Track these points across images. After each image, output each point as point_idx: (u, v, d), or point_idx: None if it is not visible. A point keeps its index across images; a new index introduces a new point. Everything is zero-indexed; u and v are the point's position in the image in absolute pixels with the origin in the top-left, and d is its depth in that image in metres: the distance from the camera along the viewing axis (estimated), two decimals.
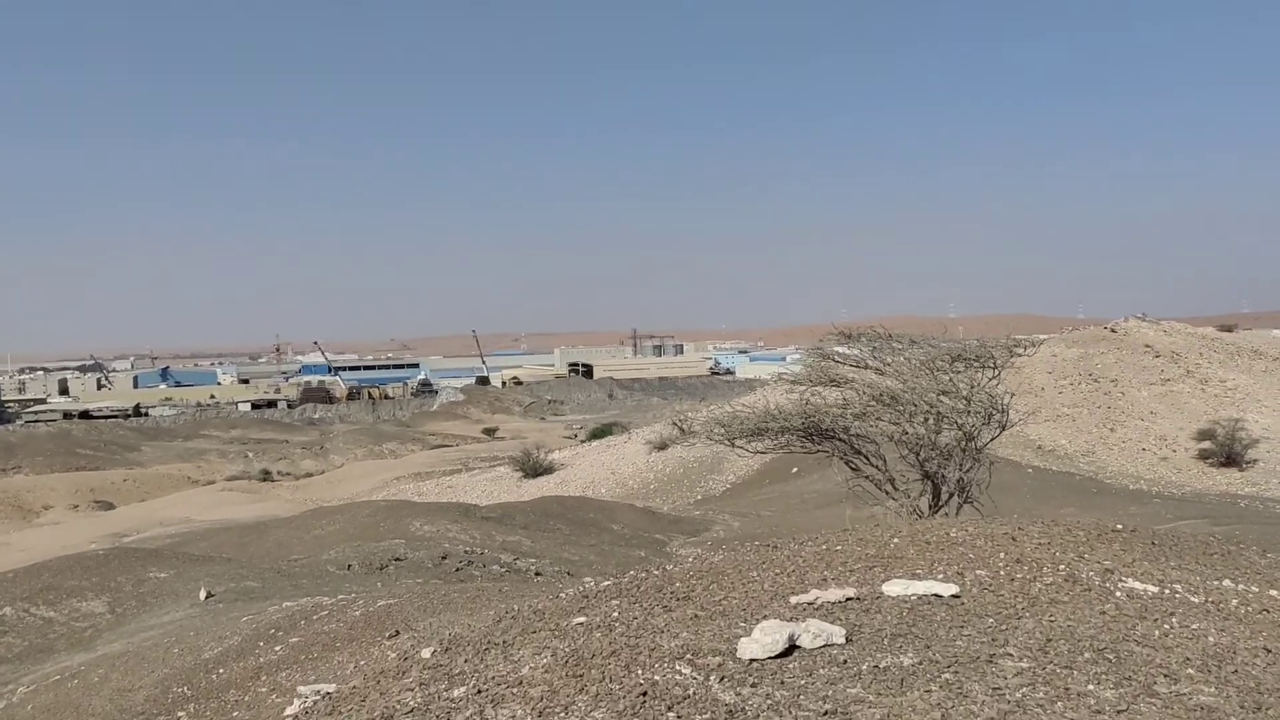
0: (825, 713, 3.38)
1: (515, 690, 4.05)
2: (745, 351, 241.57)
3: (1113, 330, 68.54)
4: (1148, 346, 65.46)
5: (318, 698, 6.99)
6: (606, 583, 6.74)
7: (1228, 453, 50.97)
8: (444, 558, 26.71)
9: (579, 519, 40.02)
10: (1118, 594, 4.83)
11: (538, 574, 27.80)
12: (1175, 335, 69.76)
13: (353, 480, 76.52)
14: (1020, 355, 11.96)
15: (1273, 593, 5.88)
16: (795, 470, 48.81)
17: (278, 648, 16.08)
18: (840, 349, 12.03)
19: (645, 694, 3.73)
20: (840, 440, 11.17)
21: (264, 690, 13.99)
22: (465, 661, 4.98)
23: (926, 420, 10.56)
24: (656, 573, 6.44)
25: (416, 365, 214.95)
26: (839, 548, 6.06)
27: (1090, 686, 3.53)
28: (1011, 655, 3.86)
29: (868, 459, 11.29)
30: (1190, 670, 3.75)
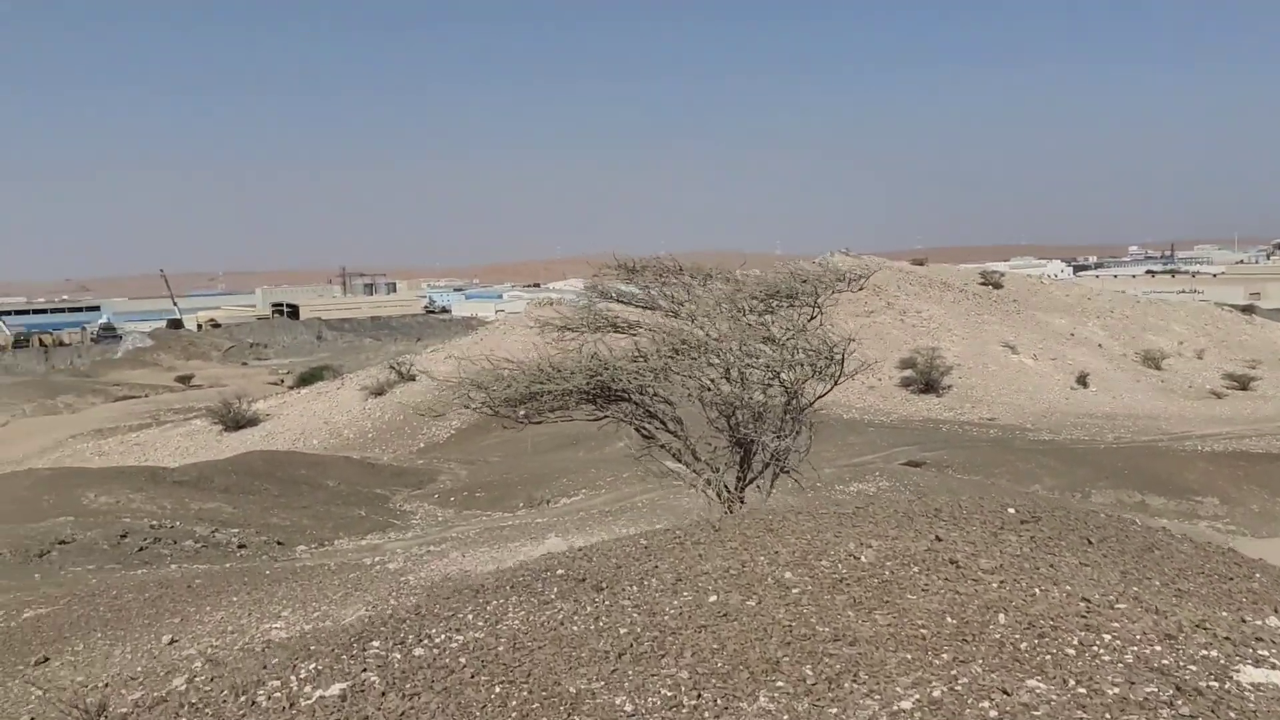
0: None
1: None
2: (461, 289, 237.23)
3: (819, 265, 71.10)
4: None
5: None
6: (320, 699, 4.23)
7: (926, 380, 54.03)
8: (124, 536, 22.69)
9: (289, 476, 36.25)
10: None
11: (241, 546, 24.34)
12: (872, 268, 73.51)
13: (19, 440, 67.18)
14: (843, 290, 10.42)
15: None
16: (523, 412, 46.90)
17: None
18: (620, 286, 9.94)
19: None
20: (632, 402, 9.14)
21: None
22: None
23: (739, 375, 8.75)
24: (386, 678, 3.99)
25: (97, 308, 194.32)
26: (705, 626, 3.91)
27: None
28: None
29: (664, 424, 9.36)
30: None
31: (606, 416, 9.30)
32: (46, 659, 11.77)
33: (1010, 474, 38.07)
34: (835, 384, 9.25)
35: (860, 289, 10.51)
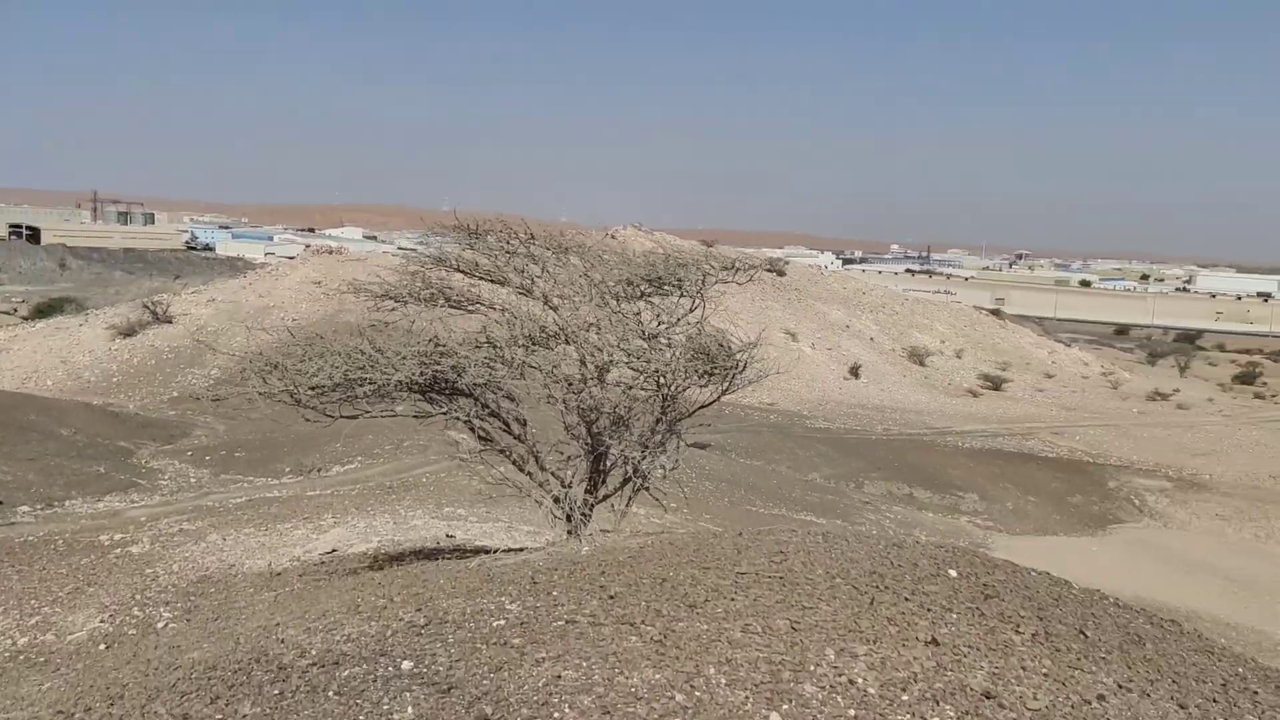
0: None
1: None
2: (227, 227, 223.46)
3: (613, 237, 70.61)
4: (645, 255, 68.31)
5: None
6: None
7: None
8: None
9: (13, 421, 32.05)
10: None
11: None
12: (666, 246, 73.77)
13: None
14: (729, 281, 9.22)
15: None
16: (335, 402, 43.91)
17: None
18: (454, 251, 8.20)
19: None
20: (473, 398, 7.53)
21: None
22: None
23: (597, 371, 7.37)
24: None
25: None
26: None
27: None
28: None
29: (506, 425, 7.83)
30: None
31: (444, 413, 7.66)
32: None
33: (790, 461, 38.70)
34: (724, 392, 8.12)
35: (749, 280, 9.37)
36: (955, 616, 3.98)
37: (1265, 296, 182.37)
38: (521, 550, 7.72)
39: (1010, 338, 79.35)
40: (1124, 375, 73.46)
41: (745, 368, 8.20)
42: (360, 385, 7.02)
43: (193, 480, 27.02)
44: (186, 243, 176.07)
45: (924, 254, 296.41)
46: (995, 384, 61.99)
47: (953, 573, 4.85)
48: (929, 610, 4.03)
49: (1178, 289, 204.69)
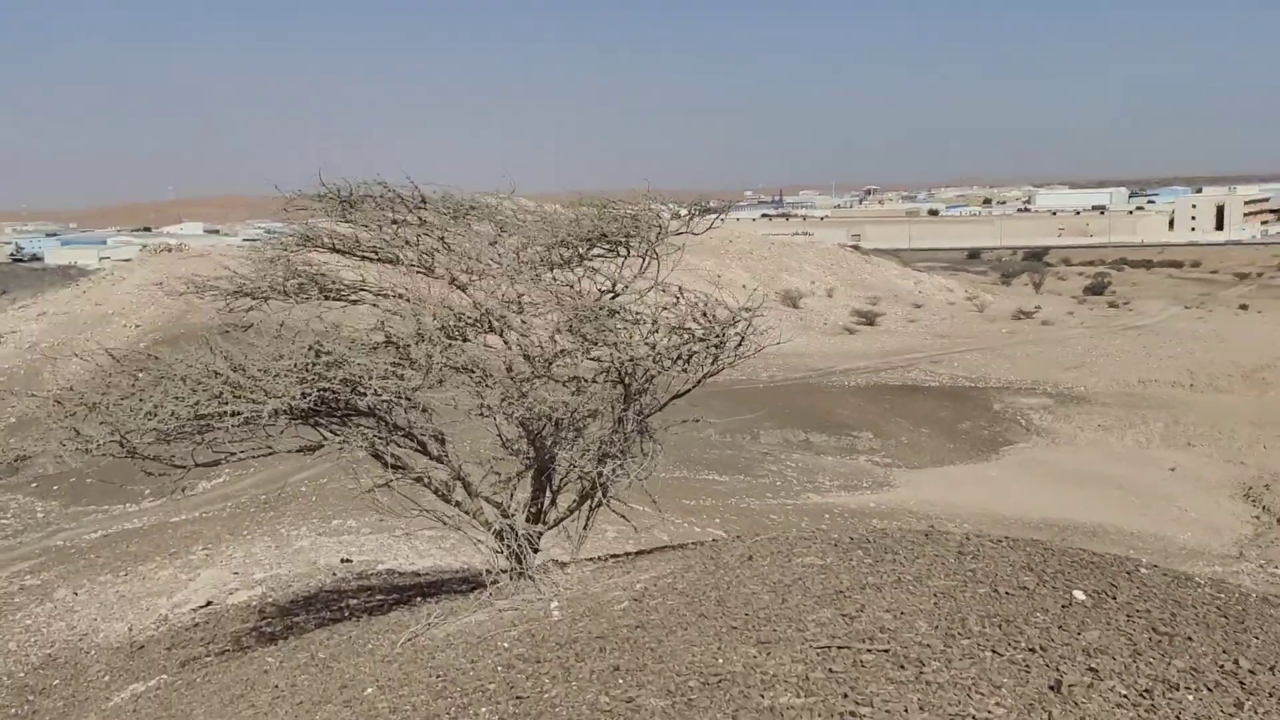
0: None
1: None
2: (55, 234, 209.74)
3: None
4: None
5: None
6: None
7: None
8: None
9: None
10: None
11: None
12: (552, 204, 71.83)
13: None
14: (683, 232, 7.77)
15: None
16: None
17: None
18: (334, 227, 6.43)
19: None
20: (375, 417, 5.86)
21: None
22: None
23: (545, 366, 5.84)
24: None
25: None
26: None
27: None
28: None
29: (422, 445, 6.18)
30: None
31: (340, 442, 5.94)
32: None
33: (681, 417, 37.73)
34: (708, 375, 6.70)
35: (706, 230, 7.96)
36: (1192, 699, 2.83)
37: (1100, 209, 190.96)
38: (447, 592, 6.22)
39: (876, 272, 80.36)
40: (987, 298, 75.23)
41: (742, 341, 6.81)
42: (220, 420, 5.30)
43: (39, 516, 24.33)
44: (11, 255, 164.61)
45: (778, 198, 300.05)
46: (869, 319, 62.47)
47: (1079, 594, 3.73)
48: (1145, 694, 2.86)
49: (1019, 210, 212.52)
